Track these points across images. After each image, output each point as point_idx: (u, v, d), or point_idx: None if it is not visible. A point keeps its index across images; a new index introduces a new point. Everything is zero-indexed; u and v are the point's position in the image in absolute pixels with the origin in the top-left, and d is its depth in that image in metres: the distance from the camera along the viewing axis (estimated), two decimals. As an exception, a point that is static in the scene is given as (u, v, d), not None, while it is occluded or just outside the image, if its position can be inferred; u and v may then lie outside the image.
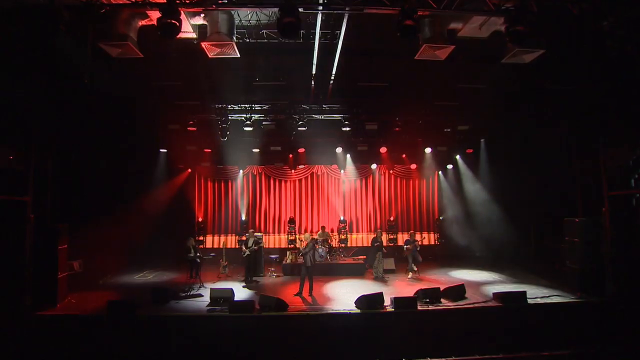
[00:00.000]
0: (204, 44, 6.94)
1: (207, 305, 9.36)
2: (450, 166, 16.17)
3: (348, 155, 15.53)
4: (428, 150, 14.67)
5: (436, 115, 12.75)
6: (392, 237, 16.49)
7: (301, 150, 14.64)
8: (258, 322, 8.49)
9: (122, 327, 8.45)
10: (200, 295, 10.42)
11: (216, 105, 12.08)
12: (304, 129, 12.50)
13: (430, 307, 9.11)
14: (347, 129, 12.43)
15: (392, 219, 16.95)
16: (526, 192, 14.35)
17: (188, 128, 12.65)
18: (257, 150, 14.44)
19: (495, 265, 14.32)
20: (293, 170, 16.76)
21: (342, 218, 16.80)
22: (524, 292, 9.37)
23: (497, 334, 8.56)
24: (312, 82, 10.68)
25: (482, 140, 14.37)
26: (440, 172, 17.07)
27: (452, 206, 16.51)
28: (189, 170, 16.66)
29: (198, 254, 11.75)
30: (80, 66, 7.84)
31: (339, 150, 14.61)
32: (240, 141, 13.73)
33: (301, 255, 10.79)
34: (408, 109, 12.55)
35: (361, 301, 9.00)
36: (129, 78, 9.77)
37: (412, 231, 14.44)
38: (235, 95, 11.57)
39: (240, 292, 10.92)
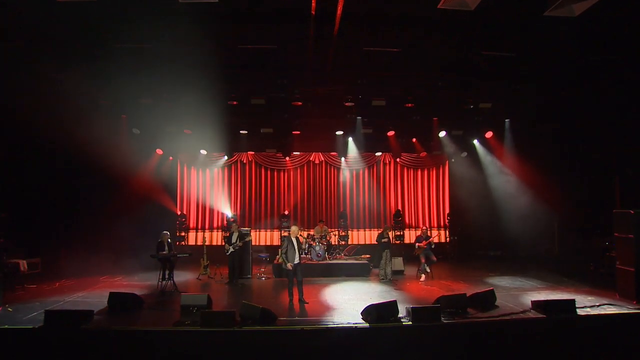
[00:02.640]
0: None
1: (177, 316, 7.47)
2: (464, 154, 14.29)
3: (350, 139, 13.62)
4: (442, 133, 12.75)
5: (454, 90, 10.84)
6: (399, 233, 14.64)
7: (296, 132, 12.71)
8: (237, 338, 6.59)
9: (62, 343, 6.56)
10: (170, 302, 8.53)
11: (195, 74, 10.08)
12: (299, 103, 10.57)
13: (457, 319, 7.23)
14: (350, 103, 10.48)
15: (399, 212, 15.11)
16: (548, 182, 12.63)
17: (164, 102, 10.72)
18: (245, 132, 12.50)
19: (515, 266, 12.72)
20: (287, 158, 14.92)
21: (342, 212, 14.98)
22: (572, 301, 7.51)
23: (543, 352, 6.73)
24: (309, 45, 8.80)
25: (507, 120, 12.42)
26: (453, 160, 15.21)
27: (466, 199, 14.65)
28: (171, 157, 14.91)
29: (173, 252, 9.95)
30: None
31: (339, 133, 12.72)
32: (226, 122, 11.77)
33: (284, 254, 8.57)
34: (421, 81, 10.67)
35: (369, 312, 7.12)
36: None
37: (424, 227, 12.50)
38: (215, 60, 9.55)
39: (221, 298, 9.10)
